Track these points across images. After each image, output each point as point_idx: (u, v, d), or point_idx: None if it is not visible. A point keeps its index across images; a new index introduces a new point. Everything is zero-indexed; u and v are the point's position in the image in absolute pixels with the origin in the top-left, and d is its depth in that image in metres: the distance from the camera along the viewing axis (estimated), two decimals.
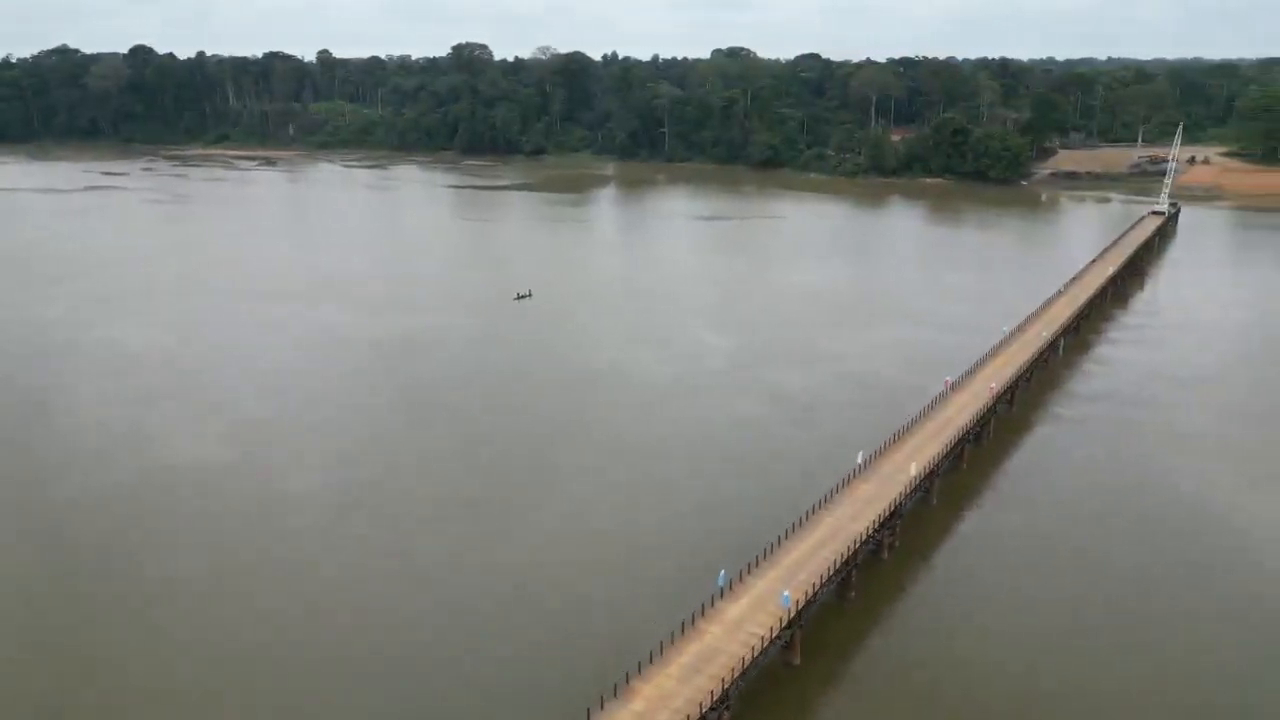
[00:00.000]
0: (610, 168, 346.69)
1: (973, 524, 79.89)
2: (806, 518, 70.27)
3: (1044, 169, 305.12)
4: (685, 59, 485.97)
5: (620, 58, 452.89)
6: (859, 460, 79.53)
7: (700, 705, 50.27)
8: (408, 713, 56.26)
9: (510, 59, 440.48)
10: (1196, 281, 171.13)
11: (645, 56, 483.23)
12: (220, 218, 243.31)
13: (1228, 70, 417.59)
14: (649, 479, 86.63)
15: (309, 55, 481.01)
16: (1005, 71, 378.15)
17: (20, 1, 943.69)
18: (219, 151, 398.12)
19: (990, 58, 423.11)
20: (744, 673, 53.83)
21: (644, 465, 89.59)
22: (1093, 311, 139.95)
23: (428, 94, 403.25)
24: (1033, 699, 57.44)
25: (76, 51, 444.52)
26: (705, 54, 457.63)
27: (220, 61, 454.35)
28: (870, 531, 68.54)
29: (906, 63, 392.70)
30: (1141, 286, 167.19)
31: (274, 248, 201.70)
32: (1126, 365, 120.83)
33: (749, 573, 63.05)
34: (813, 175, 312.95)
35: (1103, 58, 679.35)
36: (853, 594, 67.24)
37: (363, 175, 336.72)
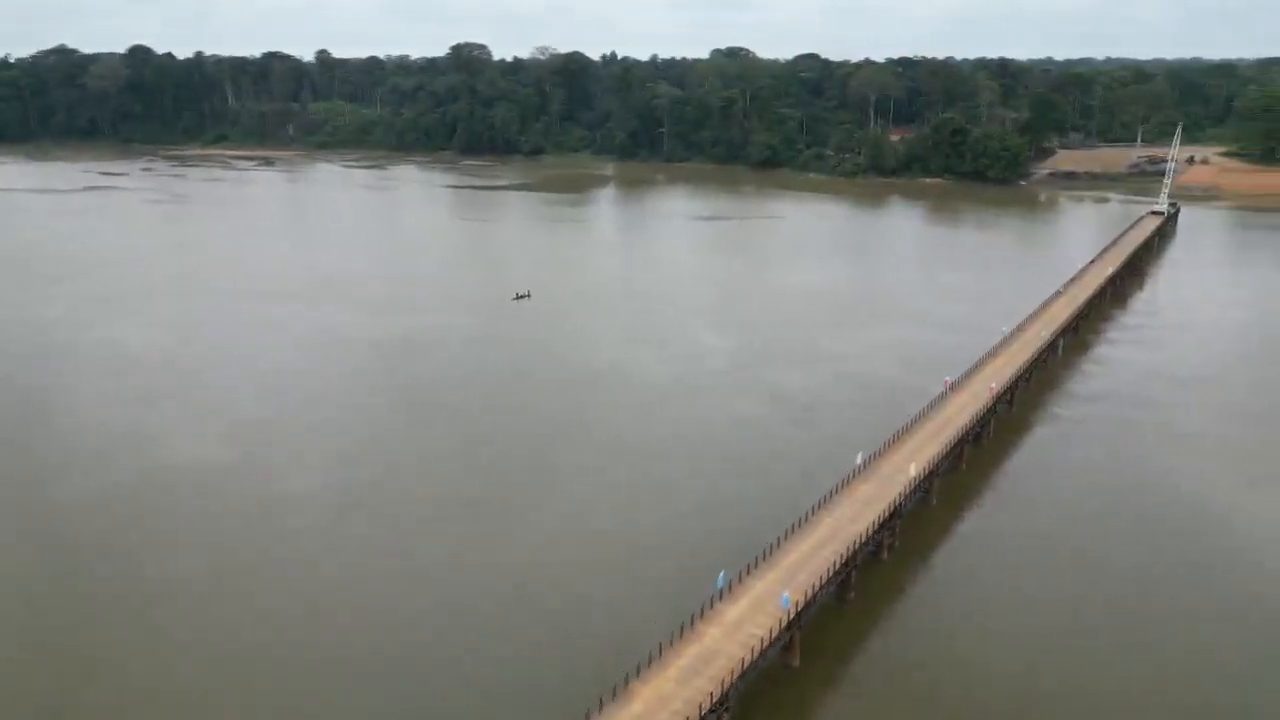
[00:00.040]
0: (609, 168, 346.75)
1: (972, 524, 79.91)
2: (806, 519, 70.19)
3: (1043, 169, 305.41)
4: (684, 59, 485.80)
5: (619, 58, 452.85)
6: (858, 461, 79.50)
7: (699, 707, 50.06)
8: (408, 713, 56.25)
9: (509, 59, 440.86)
10: (1195, 281, 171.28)
11: (644, 56, 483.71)
12: (219, 218, 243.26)
13: (1226, 70, 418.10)
14: (649, 479, 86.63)
15: (308, 55, 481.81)
16: (1004, 71, 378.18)
17: (20, 1, 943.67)
18: (217, 151, 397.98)
19: (989, 58, 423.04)
20: (743, 674, 53.64)
21: (644, 465, 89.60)
22: (1092, 312, 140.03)
23: (426, 94, 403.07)
24: (1033, 699, 57.45)
25: (75, 51, 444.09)
26: (705, 54, 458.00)
27: (219, 61, 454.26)
28: (870, 532, 68.45)
29: (905, 63, 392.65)
30: (1141, 286, 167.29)
31: (273, 248, 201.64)
32: (1126, 365, 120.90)
33: (748, 574, 62.93)
34: (812, 175, 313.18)
35: (1101, 58, 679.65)
36: (852, 595, 67.15)
37: (361, 175, 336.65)
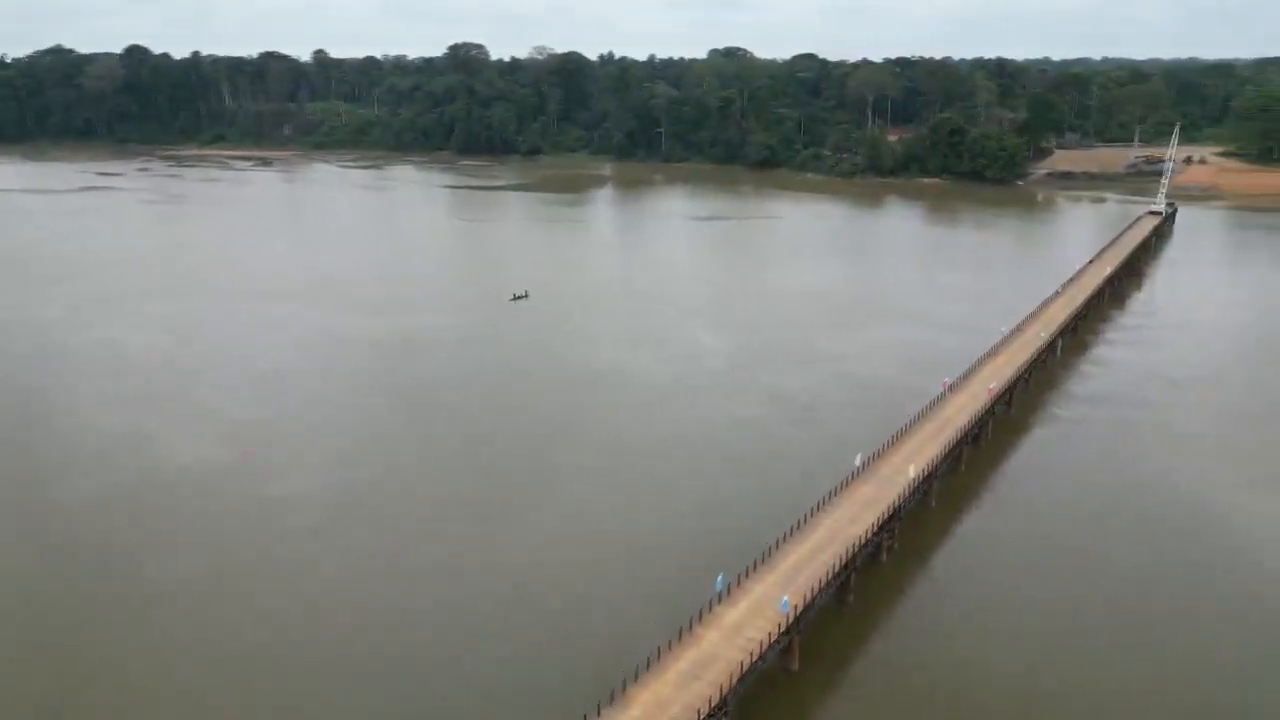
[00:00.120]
0: (607, 168, 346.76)
1: (971, 526, 79.94)
2: (804, 521, 70.10)
3: (1040, 169, 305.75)
4: (682, 59, 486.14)
5: (617, 58, 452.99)
6: (857, 462, 79.51)
7: (698, 712, 49.82)
8: (408, 713, 56.25)
9: (507, 59, 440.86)
10: (1194, 281, 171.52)
11: (643, 57, 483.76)
12: (217, 218, 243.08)
13: (1224, 70, 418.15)
14: (649, 479, 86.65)
15: (306, 55, 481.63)
16: (1001, 71, 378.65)
17: (19, 1, 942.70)
18: (214, 152, 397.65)
19: (986, 58, 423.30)
20: (742, 678, 53.44)
21: (644, 465, 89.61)
22: (1090, 312, 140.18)
23: (424, 94, 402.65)
24: (1033, 699, 57.51)
25: (71, 51, 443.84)
26: (703, 54, 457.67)
27: (216, 61, 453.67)
28: (869, 534, 68.36)
29: (903, 63, 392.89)
30: (1139, 287, 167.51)
31: (271, 248, 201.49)
32: (1124, 366, 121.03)
33: (747, 577, 62.82)
34: (809, 175, 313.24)
35: (1098, 58, 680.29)
36: (851, 597, 67.03)
37: (359, 175, 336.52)
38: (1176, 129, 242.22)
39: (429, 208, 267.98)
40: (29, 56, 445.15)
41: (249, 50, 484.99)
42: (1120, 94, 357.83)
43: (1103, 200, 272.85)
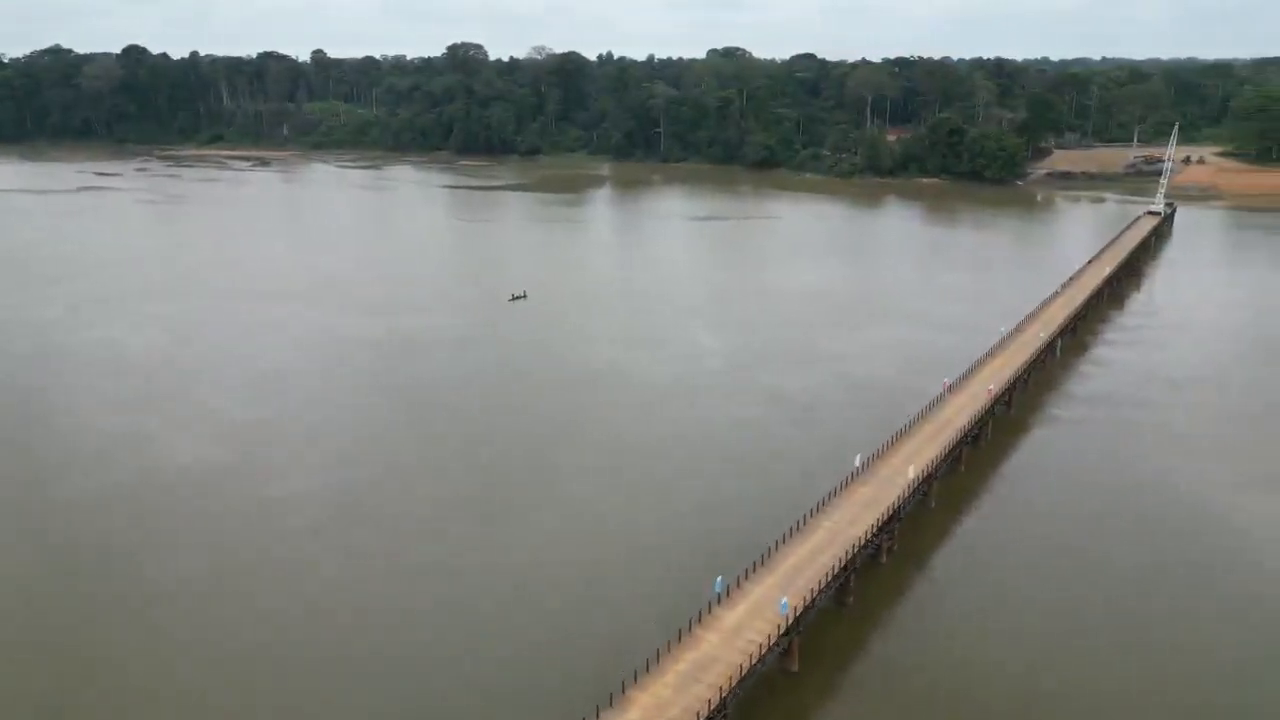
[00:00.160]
0: (606, 168, 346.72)
1: (971, 526, 79.92)
2: (804, 522, 70.05)
3: (1039, 169, 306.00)
4: (681, 59, 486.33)
5: (616, 57, 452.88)
6: (857, 463, 79.47)
7: (697, 715, 49.74)
8: (408, 713, 56.22)
9: (505, 59, 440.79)
10: (1193, 282, 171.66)
11: (642, 57, 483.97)
12: (216, 218, 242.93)
13: (1222, 70, 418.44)
14: (649, 479, 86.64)
15: (304, 55, 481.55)
16: (1000, 71, 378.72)
17: (19, 1, 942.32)
18: (212, 152, 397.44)
19: (985, 58, 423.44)
20: (741, 681, 53.31)
21: (644, 465, 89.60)
22: (1089, 312, 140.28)
23: (422, 94, 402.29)
24: (1033, 699, 57.52)
25: (70, 51, 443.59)
26: (704, 54, 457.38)
27: (214, 61, 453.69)
28: (868, 536, 68.31)
29: (902, 63, 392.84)
30: (1138, 287, 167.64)
31: (270, 248, 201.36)
32: (1124, 366, 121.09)
33: (746, 579, 62.74)
34: (808, 175, 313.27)
35: (1097, 57, 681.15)
36: (851, 599, 66.93)
37: (357, 175, 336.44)
38: (1175, 129, 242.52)
39: (428, 208, 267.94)
40: (27, 56, 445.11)
41: (247, 50, 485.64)
42: (1119, 94, 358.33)
43: (1102, 200, 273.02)
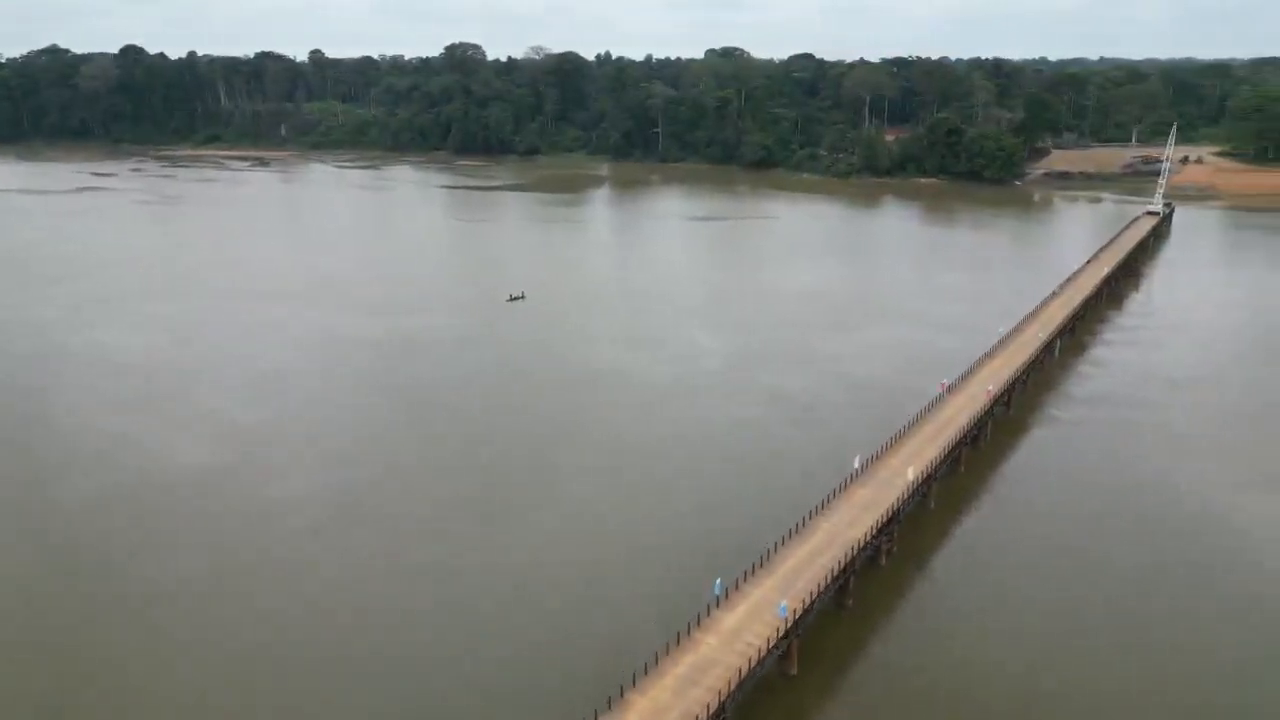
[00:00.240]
0: (604, 168, 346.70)
1: (971, 527, 79.96)
2: (803, 524, 70.01)
3: (1037, 169, 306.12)
4: (679, 59, 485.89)
5: (614, 57, 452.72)
6: (856, 465, 79.46)
7: (696, 718, 49.81)
8: (408, 713, 56.27)
9: (504, 59, 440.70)
10: (1191, 282, 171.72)
11: (641, 57, 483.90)
12: (214, 219, 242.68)
13: (1220, 70, 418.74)
14: (648, 479, 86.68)
15: (303, 55, 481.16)
16: (999, 71, 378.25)
17: (16, 1, 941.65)
18: (210, 152, 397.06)
19: (984, 57, 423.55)
20: (740, 684, 53.21)
21: (643, 465, 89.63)
22: (1088, 313, 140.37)
23: (421, 94, 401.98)
24: (1033, 699, 57.60)
25: (67, 51, 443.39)
26: (703, 54, 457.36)
27: (211, 61, 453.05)
28: (868, 537, 68.29)
29: (900, 63, 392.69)
30: (1136, 287, 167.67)
31: (269, 249, 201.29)
32: (1122, 367, 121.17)
33: (745, 581, 62.68)
34: (806, 175, 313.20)
35: (1095, 57, 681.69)
36: (850, 601, 66.91)
37: (356, 176, 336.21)
38: (1173, 129, 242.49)
39: (426, 208, 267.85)
40: (24, 56, 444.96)
41: (245, 50, 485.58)
42: (1117, 94, 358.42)
43: (1100, 200, 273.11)
